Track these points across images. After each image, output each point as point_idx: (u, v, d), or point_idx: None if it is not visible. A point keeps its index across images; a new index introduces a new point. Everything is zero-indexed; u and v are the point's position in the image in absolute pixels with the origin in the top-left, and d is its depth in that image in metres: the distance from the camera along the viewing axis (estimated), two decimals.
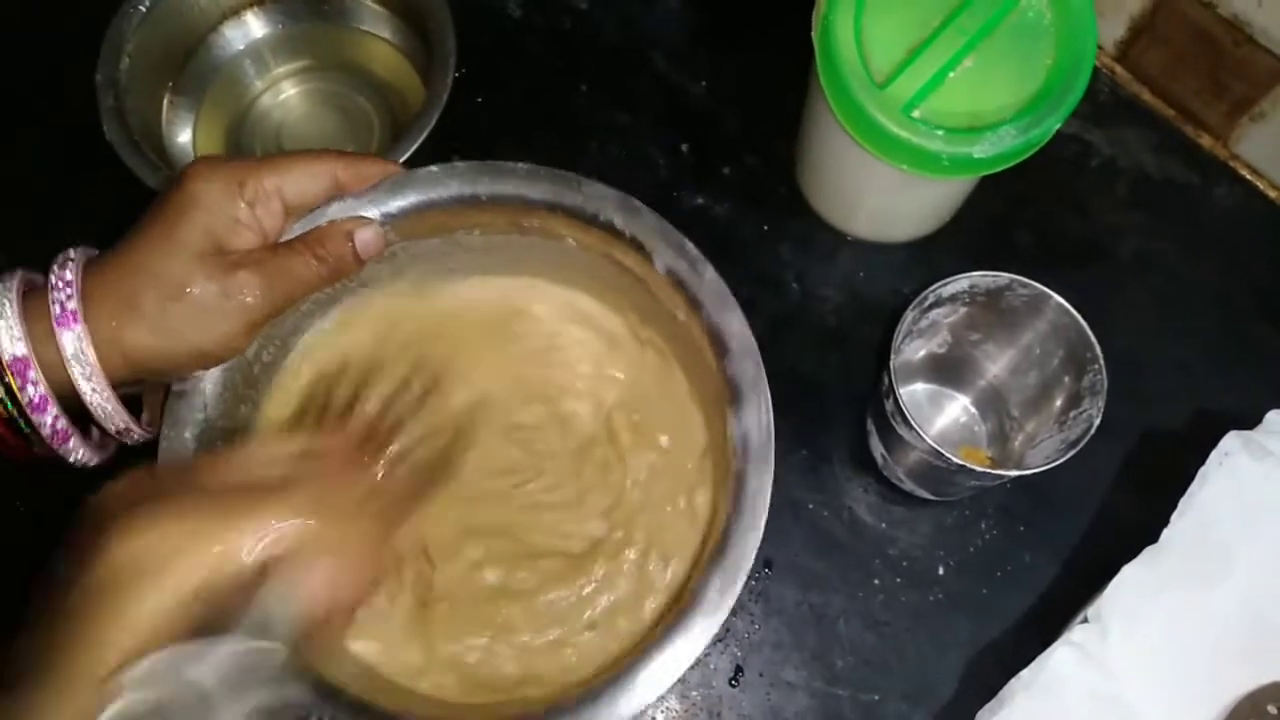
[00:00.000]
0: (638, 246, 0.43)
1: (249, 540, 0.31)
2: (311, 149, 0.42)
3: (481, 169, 0.44)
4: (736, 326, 0.42)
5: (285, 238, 0.41)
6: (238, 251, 0.38)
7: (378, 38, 0.59)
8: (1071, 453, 0.42)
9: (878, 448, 0.50)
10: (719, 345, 0.42)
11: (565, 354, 0.49)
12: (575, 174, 0.44)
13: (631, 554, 0.45)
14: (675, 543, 0.45)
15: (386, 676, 0.42)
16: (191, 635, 0.29)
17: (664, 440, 0.47)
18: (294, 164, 0.40)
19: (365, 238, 0.41)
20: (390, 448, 0.40)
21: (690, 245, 0.43)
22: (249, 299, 0.38)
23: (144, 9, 0.53)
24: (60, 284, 0.36)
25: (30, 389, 0.35)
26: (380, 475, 0.38)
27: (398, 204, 0.43)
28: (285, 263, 0.39)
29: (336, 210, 0.42)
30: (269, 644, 0.30)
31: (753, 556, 0.39)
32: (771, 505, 0.39)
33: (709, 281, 0.42)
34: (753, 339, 0.42)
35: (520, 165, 0.44)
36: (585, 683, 0.39)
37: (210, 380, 0.41)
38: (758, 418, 0.41)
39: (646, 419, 0.47)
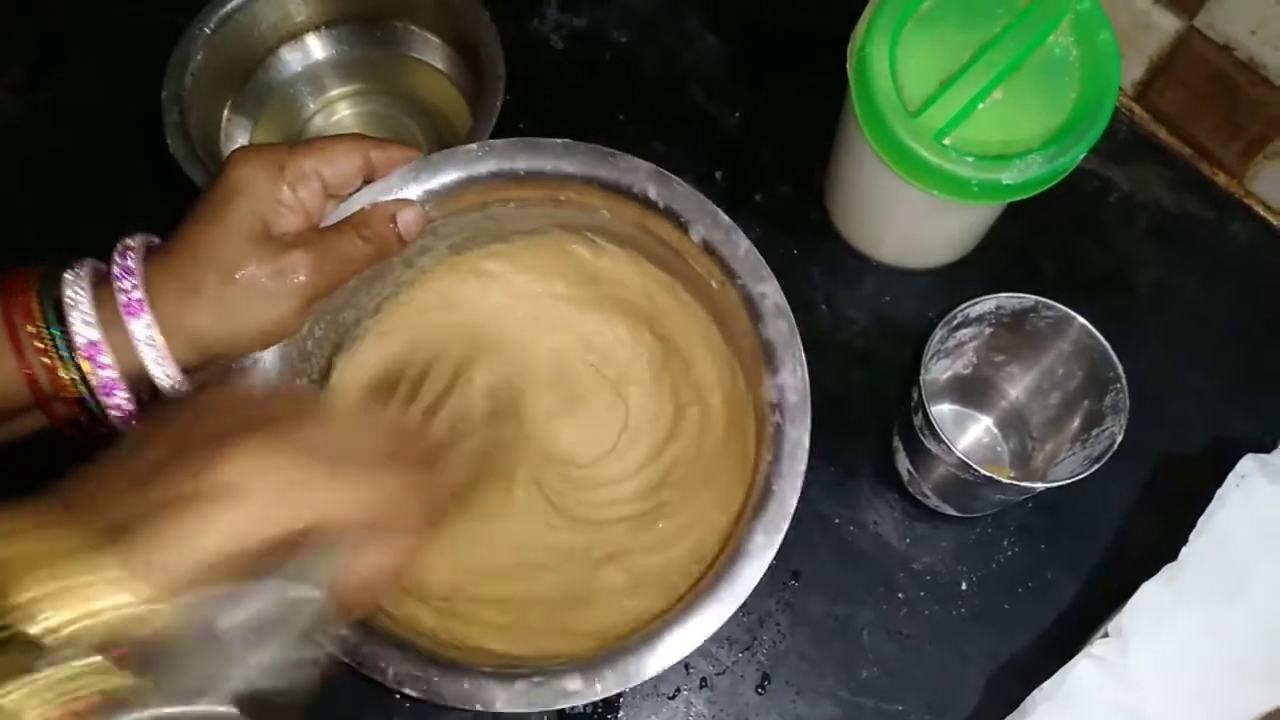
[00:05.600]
0: (673, 217, 0.44)
1: (332, 507, 0.30)
2: (343, 133, 0.44)
3: (518, 145, 0.45)
4: (770, 290, 0.43)
5: (327, 222, 0.42)
6: (287, 234, 0.40)
7: (428, 65, 0.61)
8: (1095, 467, 0.43)
9: (904, 463, 0.51)
10: (753, 310, 0.43)
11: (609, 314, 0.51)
12: (609, 148, 0.45)
13: (682, 507, 0.47)
14: (720, 496, 0.46)
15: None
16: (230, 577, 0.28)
17: (706, 400, 0.49)
18: (330, 146, 0.42)
19: (407, 219, 0.43)
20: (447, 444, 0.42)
21: (724, 216, 0.44)
22: (301, 278, 0.39)
23: (208, 30, 0.55)
24: (123, 274, 0.38)
25: (101, 373, 0.37)
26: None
27: (440, 180, 0.44)
28: (333, 243, 0.41)
29: (380, 189, 0.43)
30: (305, 594, 0.29)
31: (794, 504, 0.40)
32: (799, 519, 0.40)
33: (744, 250, 0.44)
34: (785, 303, 0.43)
35: (556, 140, 0.45)
36: (640, 621, 0.41)
37: (269, 356, 0.43)
38: (793, 376, 0.42)
39: (689, 379, 0.49)
